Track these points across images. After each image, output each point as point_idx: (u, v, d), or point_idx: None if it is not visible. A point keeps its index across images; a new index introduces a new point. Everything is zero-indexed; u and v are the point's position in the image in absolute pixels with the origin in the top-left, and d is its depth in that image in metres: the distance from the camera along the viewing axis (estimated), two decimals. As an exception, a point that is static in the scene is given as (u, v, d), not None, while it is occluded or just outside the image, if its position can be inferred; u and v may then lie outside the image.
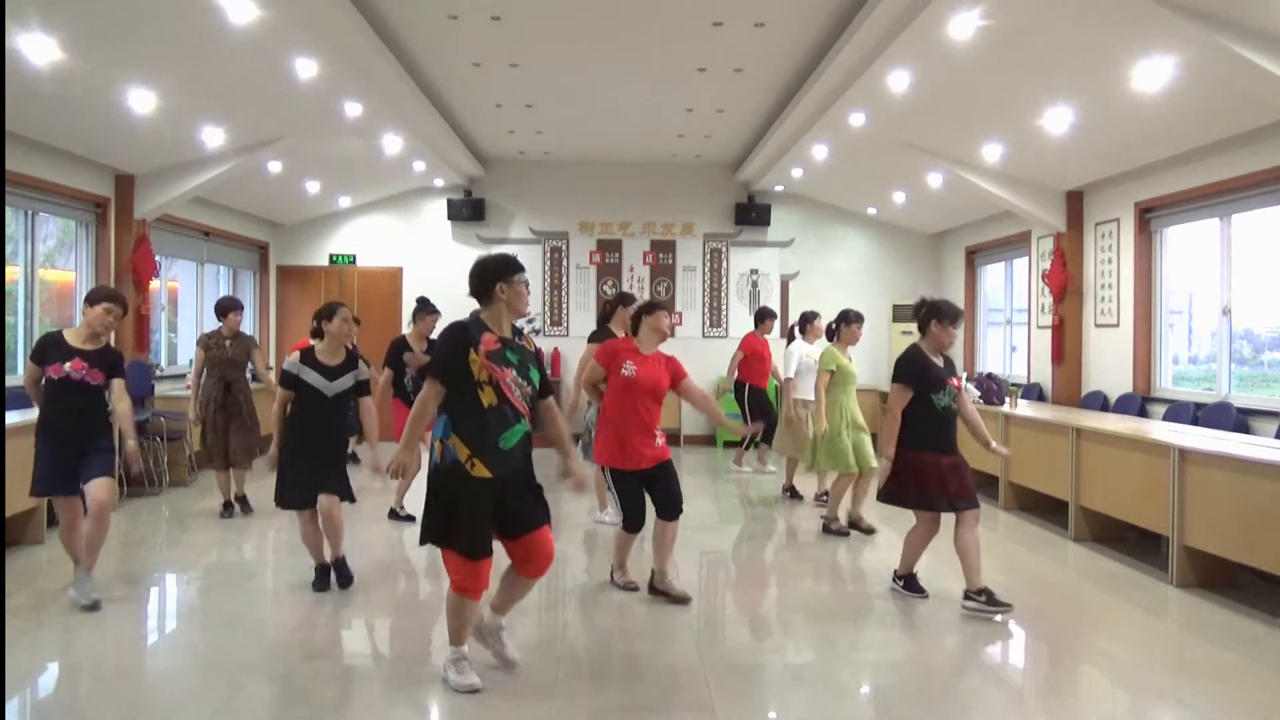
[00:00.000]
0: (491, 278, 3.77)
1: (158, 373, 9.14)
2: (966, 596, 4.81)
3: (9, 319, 7.39)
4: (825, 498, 7.39)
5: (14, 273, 7.48)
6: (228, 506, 7.17)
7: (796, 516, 7.42)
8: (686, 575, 5.72)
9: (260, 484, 7.00)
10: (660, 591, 5.02)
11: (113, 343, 5.39)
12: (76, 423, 4.76)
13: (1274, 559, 4.75)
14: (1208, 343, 7.73)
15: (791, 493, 8.07)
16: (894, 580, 5.20)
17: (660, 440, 4.98)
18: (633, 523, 5.01)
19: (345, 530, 5.20)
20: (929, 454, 4.82)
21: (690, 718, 3.55)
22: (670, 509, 4.97)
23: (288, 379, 5.01)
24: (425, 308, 7.26)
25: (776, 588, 5.66)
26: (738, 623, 4.95)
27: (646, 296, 11.97)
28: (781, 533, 7.05)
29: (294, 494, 5.04)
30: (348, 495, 5.16)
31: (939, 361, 4.94)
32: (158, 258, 8.83)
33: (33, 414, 6.45)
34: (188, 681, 3.89)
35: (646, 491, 4.98)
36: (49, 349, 4.76)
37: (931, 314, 4.93)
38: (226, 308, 7.33)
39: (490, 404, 3.64)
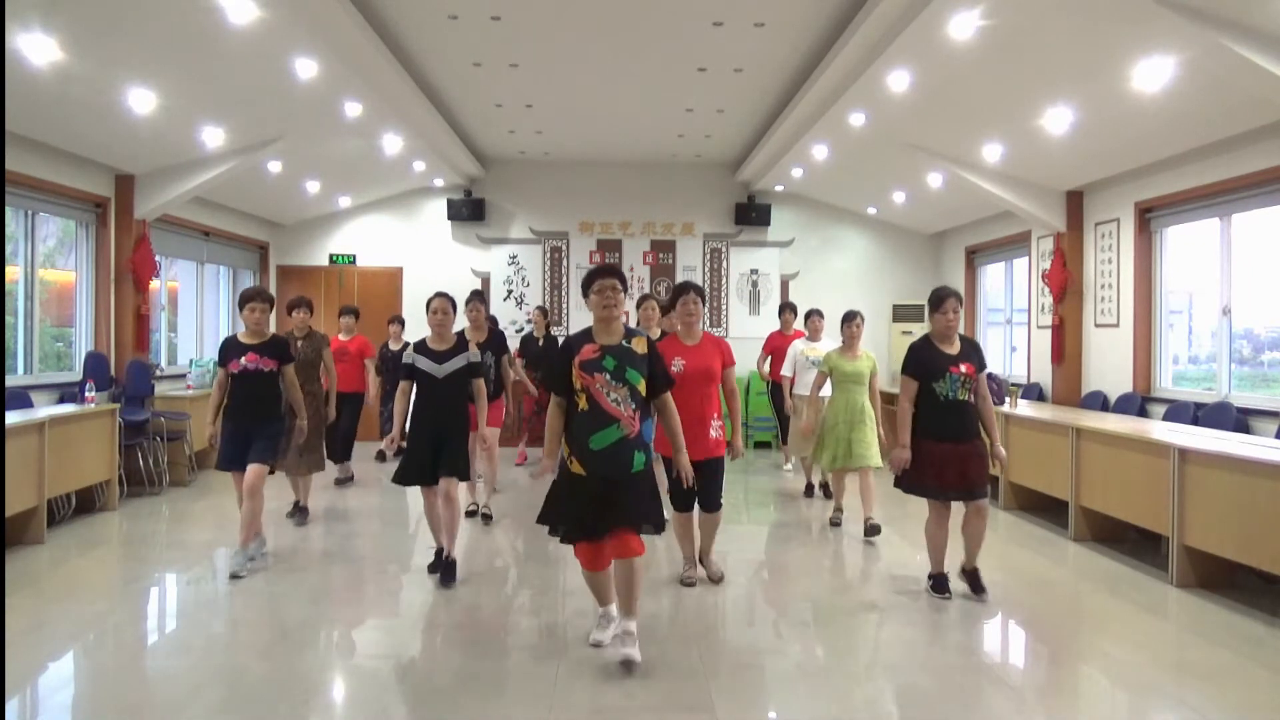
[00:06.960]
0: (585, 292, 4.12)
1: (157, 373, 9.14)
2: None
3: (9, 319, 7.39)
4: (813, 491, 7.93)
5: (14, 273, 7.49)
6: (300, 509, 6.94)
7: (801, 516, 7.42)
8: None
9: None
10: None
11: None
12: (253, 407, 5.59)
13: (1274, 559, 4.75)
14: (1208, 343, 7.73)
15: (809, 490, 8.09)
16: (927, 580, 5.26)
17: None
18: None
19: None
20: (929, 441, 4.99)
21: (690, 718, 3.55)
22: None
23: (404, 369, 5.36)
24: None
25: (777, 587, 5.65)
26: (738, 623, 4.95)
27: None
28: (784, 532, 7.05)
29: (414, 472, 5.30)
30: (465, 475, 5.39)
31: (950, 350, 5.01)
32: (158, 258, 8.84)
33: (33, 413, 6.53)
34: (188, 681, 3.89)
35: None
36: (228, 349, 5.62)
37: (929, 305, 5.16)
38: (292, 305, 7.00)
39: (583, 409, 3.96)
